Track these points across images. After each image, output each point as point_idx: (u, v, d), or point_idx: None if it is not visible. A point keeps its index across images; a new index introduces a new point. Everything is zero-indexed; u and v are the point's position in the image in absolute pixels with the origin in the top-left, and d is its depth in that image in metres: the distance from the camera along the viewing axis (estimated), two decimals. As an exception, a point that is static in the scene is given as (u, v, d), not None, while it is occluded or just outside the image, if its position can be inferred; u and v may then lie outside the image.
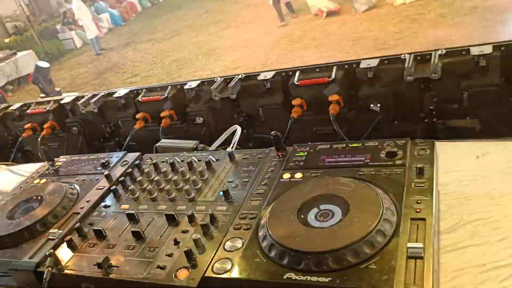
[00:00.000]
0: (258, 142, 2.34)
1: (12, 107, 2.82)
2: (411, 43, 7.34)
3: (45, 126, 2.68)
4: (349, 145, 1.33)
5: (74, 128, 2.70)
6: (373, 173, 1.18)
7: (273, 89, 2.12)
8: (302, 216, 1.07)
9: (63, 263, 1.19)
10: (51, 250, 1.19)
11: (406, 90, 1.87)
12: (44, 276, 1.14)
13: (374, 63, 1.87)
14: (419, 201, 1.04)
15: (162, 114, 2.32)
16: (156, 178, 1.42)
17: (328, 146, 1.36)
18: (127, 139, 2.40)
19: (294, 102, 2.02)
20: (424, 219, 0.99)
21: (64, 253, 1.22)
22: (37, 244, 1.28)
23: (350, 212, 1.04)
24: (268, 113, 2.18)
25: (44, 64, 7.98)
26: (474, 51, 1.68)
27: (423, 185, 1.09)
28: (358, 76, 1.93)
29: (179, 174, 1.42)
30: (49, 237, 1.29)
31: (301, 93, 2.03)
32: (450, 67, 1.74)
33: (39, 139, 2.66)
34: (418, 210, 1.01)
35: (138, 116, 2.39)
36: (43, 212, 1.37)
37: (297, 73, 2.03)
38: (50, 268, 1.15)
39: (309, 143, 1.41)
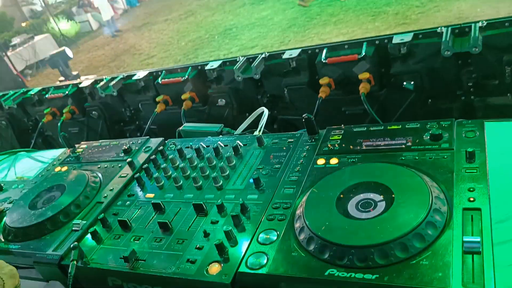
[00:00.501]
0: (283, 124, 2.25)
1: (31, 92, 2.78)
2: (433, 17, 7.07)
3: (64, 111, 2.63)
4: (388, 127, 1.23)
5: (94, 112, 2.65)
6: (416, 158, 1.09)
7: (299, 68, 2.01)
8: (341, 206, 0.99)
9: (88, 256, 1.14)
10: (76, 243, 1.14)
11: (443, 66, 1.75)
12: (69, 270, 1.09)
13: (407, 38, 1.75)
14: (472, 189, 0.95)
15: (183, 97, 2.24)
16: (181, 165, 1.35)
17: (365, 128, 1.26)
18: (148, 123, 2.34)
19: (321, 81, 1.91)
20: (479, 209, 0.90)
21: (89, 245, 1.17)
22: (61, 236, 1.23)
23: (395, 202, 0.95)
24: (293, 94, 2.08)
25: (69, 52, 7.97)
26: (519, 22, 1.55)
27: (475, 171, 0.99)
28: (390, 52, 1.81)
29: (205, 161, 1.34)
30: (73, 228, 1.24)
31: (329, 71, 1.92)
32: (492, 40, 1.61)
33: (59, 124, 2.63)
34: (472, 199, 0.92)
35: (158, 99, 2.32)
36: (66, 202, 1.31)
37: (324, 51, 1.92)
38: (75, 262, 1.10)
39: (343, 125, 1.32)
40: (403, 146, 1.14)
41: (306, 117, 1.29)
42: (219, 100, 2.26)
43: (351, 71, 1.87)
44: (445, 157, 1.06)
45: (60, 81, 8.10)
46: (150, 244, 1.11)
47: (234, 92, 2.22)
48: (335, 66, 1.90)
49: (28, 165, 2.00)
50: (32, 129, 2.92)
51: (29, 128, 2.96)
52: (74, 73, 8.29)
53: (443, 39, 1.64)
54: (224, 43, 9.96)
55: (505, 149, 1.09)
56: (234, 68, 2.06)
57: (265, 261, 0.95)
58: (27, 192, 1.47)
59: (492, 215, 0.88)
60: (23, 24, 14.76)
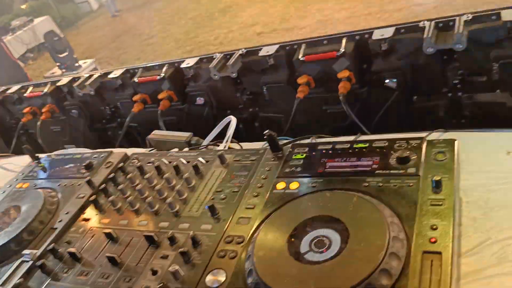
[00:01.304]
0: (265, 122, 2.16)
1: (10, 90, 2.70)
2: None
3: (43, 110, 2.56)
4: (354, 146, 1.13)
5: (73, 111, 2.57)
6: (380, 185, 0.99)
7: (277, 65, 1.90)
8: (294, 244, 0.91)
9: (36, 292, 1.08)
10: (21, 279, 1.08)
11: (427, 63, 1.63)
12: (13, 311, 1.03)
13: (388, 33, 1.62)
14: (435, 227, 0.85)
15: (160, 96, 2.15)
16: (139, 186, 1.27)
17: (330, 146, 1.16)
18: (125, 124, 2.26)
19: (299, 80, 1.81)
20: (440, 253, 0.81)
21: (37, 281, 1.11)
22: (12, 267, 1.17)
23: (349, 242, 0.86)
24: (273, 91, 1.98)
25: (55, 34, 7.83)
26: (506, 16, 1.41)
27: (440, 203, 0.89)
28: (371, 48, 1.69)
29: (164, 181, 1.26)
30: (23, 258, 1.17)
31: (308, 69, 1.81)
32: (477, 35, 1.48)
33: (38, 124, 2.56)
34: (433, 240, 0.83)
35: (135, 98, 2.22)
36: (19, 228, 1.25)
37: (303, 47, 1.80)
38: (20, 302, 1.04)
39: (308, 142, 1.23)
40: (369, 168, 1.05)
41: (268, 133, 1.19)
42: (197, 98, 2.17)
43: (331, 68, 1.76)
44: (411, 184, 0.96)
45: (58, 66, 8.02)
46: (97, 280, 1.04)
47: (212, 90, 2.12)
48: (314, 64, 1.79)
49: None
50: (15, 128, 2.85)
51: (13, 126, 2.89)
52: (74, 56, 8.16)
53: (425, 35, 1.51)
54: (224, 21, 9.75)
55: (475, 164, 0.99)
56: (210, 66, 1.95)
57: (210, 308, 0.88)
58: (-15, 213, 1.41)
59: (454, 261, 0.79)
60: (23, 6, 14.58)
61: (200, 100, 2.16)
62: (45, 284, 1.09)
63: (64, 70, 7.76)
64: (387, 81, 1.71)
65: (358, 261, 0.82)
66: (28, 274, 1.14)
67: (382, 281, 0.78)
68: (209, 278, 0.94)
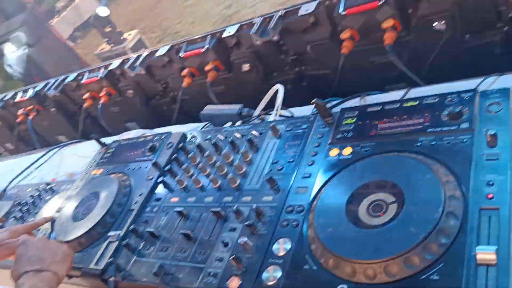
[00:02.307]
0: (312, 80, 2.15)
1: (68, 79, 2.87)
2: None
3: (101, 94, 2.70)
4: (404, 105, 1.13)
5: (128, 91, 2.69)
6: (433, 143, 1.00)
7: (318, 23, 1.87)
8: (352, 211, 0.95)
9: (125, 269, 1.22)
10: (112, 258, 1.22)
11: None
12: (108, 286, 1.18)
13: None
14: (491, 182, 0.86)
15: (206, 68, 2.20)
16: (200, 165, 1.36)
17: (380, 107, 1.17)
18: (178, 99, 2.35)
19: (342, 35, 1.78)
20: (497, 209, 0.82)
21: (124, 259, 1.24)
22: (101, 248, 1.32)
23: (405, 206, 0.90)
24: (317, 50, 1.96)
25: (103, 12, 7.96)
26: None
27: (496, 158, 0.90)
28: (417, -9, 1.62)
29: (223, 157, 1.34)
30: (109, 240, 1.31)
31: (350, 22, 1.77)
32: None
33: (98, 108, 2.72)
34: (490, 196, 0.84)
35: (183, 73, 2.29)
36: (101, 213, 1.39)
37: (342, 1, 1.76)
38: (113, 278, 1.18)
39: (357, 105, 1.24)
40: (420, 127, 1.05)
41: (315, 102, 1.22)
42: (243, 65, 2.19)
43: (375, 19, 1.71)
44: (465, 141, 0.96)
45: (106, 41, 8.24)
46: (176, 255, 1.16)
47: (256, 55, 2.13)
48: (356, 16, 1.74)
49: (73, 160, 2.13)
50: (79, 113, 3.04)
51: (77, 112, 3.08)
52: (118, 30, 8.34)
53: None
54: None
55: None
56: (251, 33, 1.96)
57: (279, 274, 0.96)
58: (70, 200, 1.56)
59: (513, 215, 0.81)
60: (63, -14, 14.89)
61: (246, 67, 2.19)
62: (132, 261, 1.23)
63: (111, 45, 7.97)
64: (435, 24, 1.65)
65: (414, 223, 0.85)
66: (116, 253, 1.27)
67: (441, 240, 0.82)
68: (275, 247, 1.01)
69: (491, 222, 0.81)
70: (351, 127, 1.17)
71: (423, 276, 0.80)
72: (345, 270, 0.87)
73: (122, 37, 8.09)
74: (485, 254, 0.76)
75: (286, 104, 1.63)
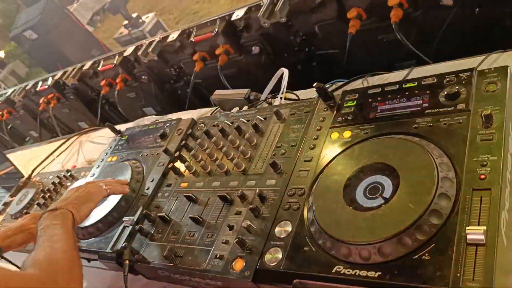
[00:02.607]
0: (322, 59, 2.16)
1: (85, 67, 2.94)
2: None
3: (117, 80, 2.77)
4: (404, 86, 1.14)
5: (143, 76, 2.75)
6: (430, 124, 1.01)
7: (325, 2, 1.87)
8: (349, 193, 0.98)
9: (139, 251, 1.28)
10: (125, 243, 1.29)
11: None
12: (123, 268, 1.24)
13: None
14: (485, 163, 0.87)
15: (217, 52, 2.23)
16: (208, 150, 1.40)
17: (380, 89, 1.18)
18: (191, 83, 2.39)
19: (349, 14, 1.77)
20: (489, 189, 0.83)
21: (138, 242, 1.31)
22: (116, 232, 1.38)
23: (400, 186, 0.92)
24: (325, 29, 1.96)
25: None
26: None
27: (491, 138, 0.90)
28: (420, -33, 1.60)
29: (229, 143, 1.37)
30: (124, 225, 1.38)
31: (357, 1, 1.76)
32: None
33: (115, 94, 2.79)
34: (483, 177, 0.85)
35: (195, 57, 2.33)
36: (116, 199, 1.45)
37: (348, -21, 1.75)
38: (127, 261, 1.25)
39: (359, 88, 1.24)
40: (419, 108, 1.06)
41: (316, 86, 1.23)
42: (253, 48, 2.21)
43: (381, -4, 1.70)
44: (460, 121, 0.97)
45: (124, 25, 8.30)
46: (185, 238, 1.21)
47: (265, 37, 2.15)
48: (361, -6, 1.73)
49: (91, 147, 2.21)
50: (97, 99, 3.12)
51: (95, 98, 3.17)
52: (134, 15, 8.38)
53: None
54: None
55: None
56: (259, 15, 1.96)
57: (280, 256, 1.00)
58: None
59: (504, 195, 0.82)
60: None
61: (255, 49, 2.20)
62: (145, 244, 1.29)
63: (130, 29, 8.03)
64: (442, -1, 1.62)
65: (408, 204, 0.87)
66: (130, 237, 1.34)
67: (432, 221, 0.84)
68: (277, 229, 1.05)
69: (482, 202, 0.82)
70: (352, 110, 1.18)
71: (415, 256, 0.82)
72: (341, 252, 0.90)
73: (140, 20, 8.13)
74: (475, 234, 0.77)
75: (297, 85, 1.65)
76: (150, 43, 2.50)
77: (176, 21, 9.54)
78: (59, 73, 3.19)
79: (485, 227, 0.78)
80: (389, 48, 1.85)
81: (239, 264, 1.05)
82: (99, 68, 2.81)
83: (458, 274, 0.76)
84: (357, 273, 0.86)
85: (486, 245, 0.77)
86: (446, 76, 1.07)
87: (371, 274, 0.85)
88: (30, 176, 2.28)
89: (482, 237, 0.77)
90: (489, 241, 0.77)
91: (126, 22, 8.31)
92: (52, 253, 1.01)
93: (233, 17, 2.12)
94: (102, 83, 2.84)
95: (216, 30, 2.18)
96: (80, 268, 1.02)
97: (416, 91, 1.10)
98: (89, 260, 1.45)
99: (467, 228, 0.79)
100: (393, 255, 0.84)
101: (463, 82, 1.03)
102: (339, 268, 0.89)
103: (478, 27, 1.65)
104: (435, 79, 1.08)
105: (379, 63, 1.86)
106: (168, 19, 9.67)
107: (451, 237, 0.81)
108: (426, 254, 0.81)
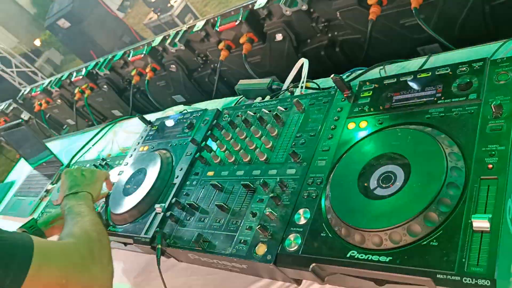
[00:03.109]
0: (345, 45, 2.17)
1: (116, 58, 3.05)
2: None
3: (147, 70, 2.87)
4: (418, 76, 1.17)
5: (172, 66, 2.83)
6: (442, 114, 1.04)
7: (345, -12, 1.88)
8: (363, 182, 1.03)
9: (170, 237, 1.38)
10: (158, 229, 1.39)
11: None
12: (156, 253, 1.35)
13: None
14: (493, 153, 0.91)
15: (241, 40, 2.28)
16: (232, 140, 1.47)
17: (395, 79, 1.21)
18: (217, 71, 2.45)
19: (369, 0, 1.78)
20: (496, 178, 0.87)
21: (169, 228, 1.40)
22: (149, 219, 1.49)
23: (411, 175, 0.96)
24: (347, 15, 1.97)
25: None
26: None
27: (500, 128, 0.93)
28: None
29: (252, 133, 1.44)
30: (155, 212, 1.48)
31: (376, -13, 1.76)
32: None
33: (146, 83, 2.89)
34: (490, 167, 0.89)
35: (220, 46, 2.38)
36: (148, 187, 1.55)
37: (368, -36, 1.75)
38: (159, 246, 1.35)
39: (376, 78, 1.28)
40: (433, 98, 1.09)
41: (334, 78, 1.27)
42: (276, 35, 2.24)
43: (401, -20, 1.70)
44: (471, 111, 1.00)
45: (153, 10, 8.40)
46: (212, 224, 1.30)
47: (288, 25, 2.18)
48: (382, -21, 1.74)
49: (125, 136, 2.32)
50: (129, 89, 3.24)
51: (127, 88, 3.29)
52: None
53: None
54: None
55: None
56: (280, 4, 2.00)
57: (300, 241, 1.07)
58: (121, 176, 1.75)
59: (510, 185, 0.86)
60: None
61: (279, 36, 2.24)
62: (175, 230, 1.39)
63: (158, 14, 8.13)
64: (463, -18, 1.61)
65: (417, 193, 0.92)
66: (162, 223, 1.44)
67: (441, 209, 0.88)
68: (297, 216, 1.12)
69: (489, 191, 0.86)
70: (368, 100, 1.22)
71: (424, 243, 0.88)
72: (355, 238, 0.97)
73: (168, 5, 8.21)
74: (480, 222, 0.82)
75: (321, 71, 1.68)
76: (177, 33, 2.57)
77: (204, 4, 9.57)
78: (92, 64, 3.32)
79: (490, 215, 0.82)
80: (411, 32, 1.85)
81: (261, 249, 1.13)
82: (129, 58, 2.91)
83: (464, 260, 0.81)
84: (369, 258, 0.93)
85: (490, 232, 0.81)
86: (460, 66, 1.09)
87: (383, 259, 0.91)
88: (69, 164, 2.42)
89: (487, 224, 0.81)
90: (494, 228, 0.81)
91: (152, 8, 8.41)
92: (84, 226, 1.18)
93: (256, 6, 2.16)
94: (133, 73, 2.94)
95: (240, 19, 2.23)
96: (108, 240, 1.22)
97: (430, 81, 1.13)
98: (125, 244, 1.56)
99: (473, 215, 0.84)
100: (403, 242, 0.90)
101: (476, 71, 1.05)
102: (353, 253, 0.96)
103: (503, 9, 1.63)
104: (449, 69, 1.11)
105: (402, 48, 1.87)
106: (196, 1, 9.71)
107: (458, 224, 0.85)
108: (434, 241, 0.86)
